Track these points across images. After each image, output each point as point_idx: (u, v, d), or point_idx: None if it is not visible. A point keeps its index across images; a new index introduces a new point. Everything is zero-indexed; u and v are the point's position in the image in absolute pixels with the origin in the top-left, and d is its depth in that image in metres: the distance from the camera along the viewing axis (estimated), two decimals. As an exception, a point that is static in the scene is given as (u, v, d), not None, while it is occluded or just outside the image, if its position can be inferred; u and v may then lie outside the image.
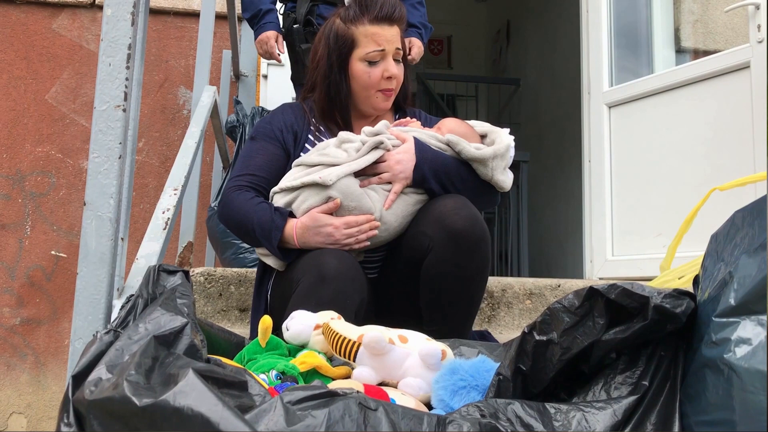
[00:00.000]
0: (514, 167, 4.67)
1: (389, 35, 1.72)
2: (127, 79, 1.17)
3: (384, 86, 1.74)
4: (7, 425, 3.18)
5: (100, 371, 0.86)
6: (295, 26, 2.56)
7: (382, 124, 1.67)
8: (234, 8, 3.14)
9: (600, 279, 3.04)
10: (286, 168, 1.70)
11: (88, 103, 3.40)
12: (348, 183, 1.58)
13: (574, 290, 0.94)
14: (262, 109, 3.02)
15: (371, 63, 1.73)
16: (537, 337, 0.94)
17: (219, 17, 3.22)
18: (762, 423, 0.75)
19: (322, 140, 1.75)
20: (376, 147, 1.63)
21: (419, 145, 1.66)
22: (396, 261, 1.68)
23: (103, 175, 1.16)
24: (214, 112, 2.67)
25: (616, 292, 0.90)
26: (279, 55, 2.59)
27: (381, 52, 1.72)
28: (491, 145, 1.69)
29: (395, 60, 1.75)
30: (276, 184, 1.66)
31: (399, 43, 1.75)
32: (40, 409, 3.21)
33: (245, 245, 2.66)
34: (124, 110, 1.18)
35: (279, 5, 2.66)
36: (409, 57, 2.66)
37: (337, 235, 1.55)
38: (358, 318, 1.45)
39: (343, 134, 1.68)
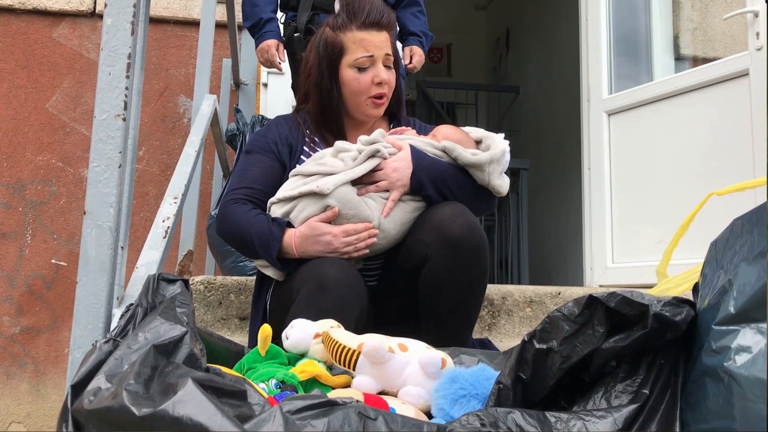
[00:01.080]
0: (514, 175, 4.70)
1: (378, 41, 1.73)
2: (126, 88, 1.17)
3: (375, 92, 1.74)
4: (6, 434, 3.18)
5: (99, 381, 0.86)
6: (295, 35, 2.57)
7: (378, 133, 1.68)
8: (234, 17, 3.15)
9: (600, 286, 3.04)
10: (282, 180, 1.70)
11: (89, 112, 3.41)
12: (345, 191, 1.58)
13: (574, 298, 0.94)
14: (262, 117, 3.02)
15: (360, 69, 1.73)
16: (537, 346, 0.94)
17: (219, 26, 3.23)
18: (763, 431, 0.74)
19: (318, 151, 1.75)
20: (372, 155, 1.63)
21: (416, 152, 1.66)
22: (395, 269, 1.68)
23: (103, 184, 1.16)
24: (214, 120, 2.67)
25: (615, 301, 0.90)
26: (280, 63, 2.60)
27: (370, 57, 1.72)
28: (487, 151, 1.69)
29: (385, 66, 1.75)
30: (273, 196, 1.67)
31: (389, 49, 1.76)
32: (39, 419, 3.20)
33: (245, 254, 2.66)
34: (124, 119, 1.18)
35: (280, 14, 2.67)
36: (410, 65, 2.68)
37: (336, 243, 1.55)
38: (358, 326, 1.45)
39: (340, 144, 1.68)
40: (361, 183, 1.63)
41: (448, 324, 1.59)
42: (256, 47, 2.62)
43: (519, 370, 0.95)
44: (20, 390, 3.22)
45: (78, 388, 0.88)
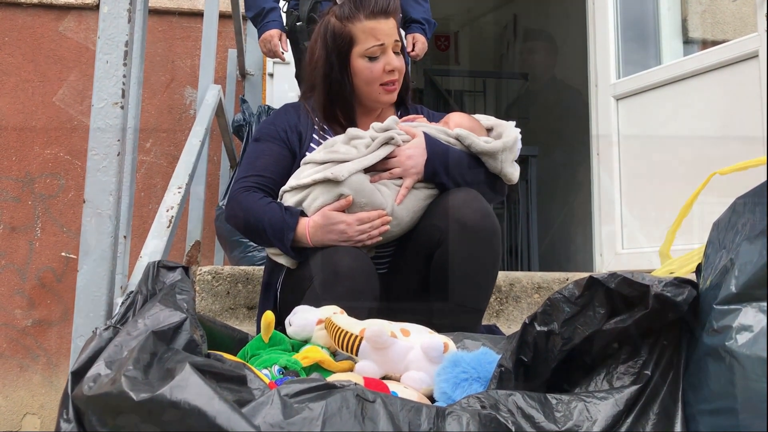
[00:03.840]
0: (523, 162, 4.68)
1: (387, 28, 1.72)
2: (124, 76, 1.16)
3: (386, 79, 1.74)
4: (21, 426, 3.21)
5: (99, 367, 0.86)
6: (298, 24, 2.56)
7: (391, 120, 1.67)
8: (238, 7, 3.14)
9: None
10: (292, 169, 1.70)
11: (96, 105, 3.41)
12: (359, 179, 1.58)
13: (575, 280, 0.93)
14: (269, 107, 3.02)
15: (372, 58, 1.72)
16: (538, 328, 0.94)
17: (224, 16, 3.22)
18: (764, 410, 0.74)
19: (327, 139, 1.74)
20: (386, 143, 1.63)
21: (429, 140, 1.66)
22: (405, 256, 1.68)
23: (102, 173, 1.16)
24: (220, 110, 2.67)
25: (615, 282, 0.89)
26: (283, 53, 2.59)
27: (381, 46, 1.72)
28: (498, 138, 1.69)
29: (395, 52, 1.75)
30: (283, 184, 1.66)
31: (396, 35, 1.75)
32: (53, 410, 3.23)
33: (253, 244, 2.66)
34: (122, 107, 1.17)
35: (282, 3, 2.66)
36: (413, 53, 2.66)
37: (350, 231, 1.55)
38: (371, 315, 1.45)
39: (352, 131, 1.67)
40: (375, 170, 1.63)
41: (459, 309, 1.59)
42: (259, 37, 2.61)
43: (520, 353, 0.95)
44: (34, 382, 3.25)
45: (78, 374, 0.88)
